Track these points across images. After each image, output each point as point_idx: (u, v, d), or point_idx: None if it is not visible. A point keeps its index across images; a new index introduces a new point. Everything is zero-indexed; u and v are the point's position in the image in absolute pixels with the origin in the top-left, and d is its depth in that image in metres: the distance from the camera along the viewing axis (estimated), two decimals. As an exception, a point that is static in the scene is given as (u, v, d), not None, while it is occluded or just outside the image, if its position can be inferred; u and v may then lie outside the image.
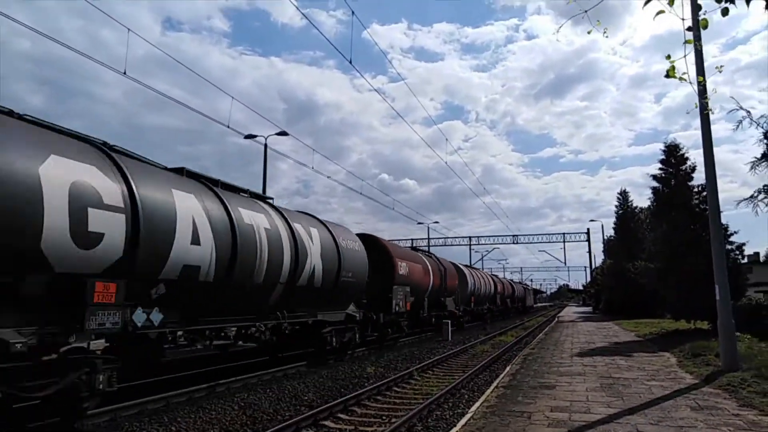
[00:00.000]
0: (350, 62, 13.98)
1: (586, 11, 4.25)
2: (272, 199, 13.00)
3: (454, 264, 30.52)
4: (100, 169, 7.23)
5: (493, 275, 49.31)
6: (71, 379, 6.80)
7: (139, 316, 7.58)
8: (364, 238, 18.12)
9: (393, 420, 7.92)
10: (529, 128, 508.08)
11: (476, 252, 68.68)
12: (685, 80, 4.29)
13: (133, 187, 7.58)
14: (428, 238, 59.04)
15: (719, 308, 10.80)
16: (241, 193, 11.62)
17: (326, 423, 7.90)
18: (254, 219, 10.69)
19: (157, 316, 7.89)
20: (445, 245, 64.13)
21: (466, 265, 36.68)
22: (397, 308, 18.89)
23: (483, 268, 58.54)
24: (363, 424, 7.92)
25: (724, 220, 13.69)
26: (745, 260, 20.57)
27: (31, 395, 6.39)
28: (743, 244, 18.78)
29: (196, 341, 9.96)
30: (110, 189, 7.19)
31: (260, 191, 18.67)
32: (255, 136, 25.02)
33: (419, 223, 60.28)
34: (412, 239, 62.26)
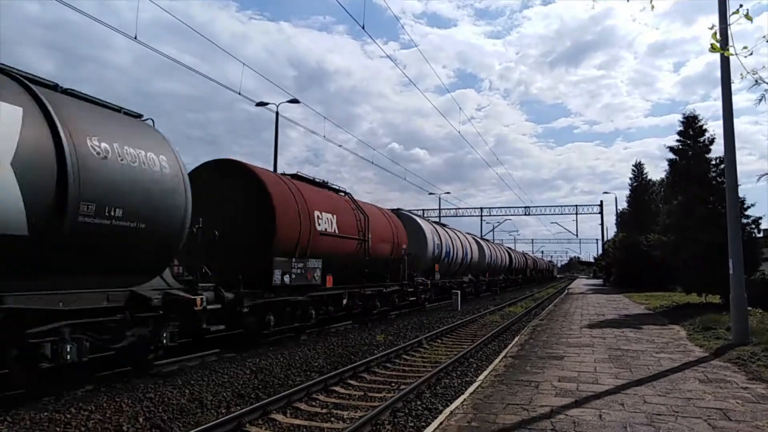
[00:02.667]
0: (363, 27, 13.72)
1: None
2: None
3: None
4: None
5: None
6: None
7: None
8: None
9: (402, 386, 8.03)
10: (543, 98, 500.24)
11: (487, 223, 68.60)
12: (732, 54, 4.09)
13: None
14: (439, 209, 58.90)
15: (732, 282, 10.72)
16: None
17: (336, 388, 8.03)
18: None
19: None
20: (457, 216, 64.05)
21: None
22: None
23: (494, 240, 58.48)
24: (372, 390, 8.04)
25: (741, 194, 13.47)
26: (761, 234, 20.33)
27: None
28: (759, 218, 18.59)
29: None
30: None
31: (271, 159, 19.02)
32: (266, 104, 24.86)
33: (430, 194, 60.09)
34: (423, 209, 62.16)
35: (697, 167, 19.86)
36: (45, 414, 6.09)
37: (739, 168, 11.18)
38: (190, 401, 6.99)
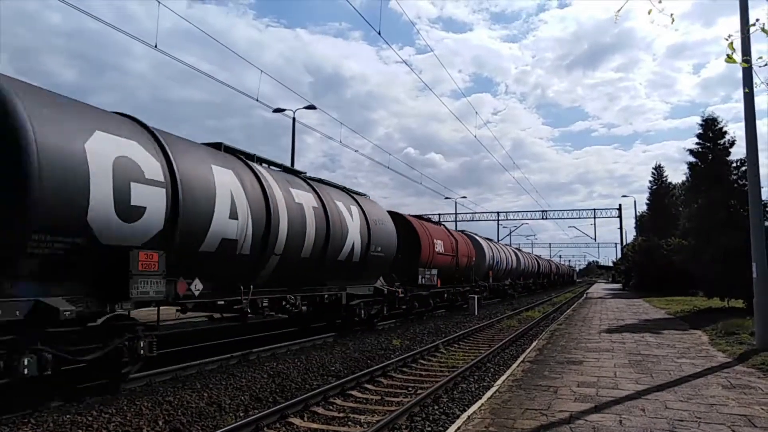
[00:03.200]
0: (379, 33, 13.78)
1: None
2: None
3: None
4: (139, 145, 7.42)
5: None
6: (114, 345, 7.20)
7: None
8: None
9: (419, 391, 8.01)
10: (560, 101, 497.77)
11: (504, 227, 68.23)
12: (747, 65, 4.07)
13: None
14: (455, 213, 58.77)
15: (756, 286, 10.53)
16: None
17: (353, 393, 8.03)
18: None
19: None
20: (473, 220, 63.76)
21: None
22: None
23: (511, 244, 58.16)
24: (389, 395, 8.03)
25: (763, 196, 13.21)
26: (785, 238, 19.94)
27: (78, 358, 6.73)
28: (783, 220, 18.19)
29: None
30: (148, 163, 7.43)
31: (288, 164, 19.43)
32: (283, 110, 25.08)
33: (446, 198, 59.94)
34: (439, 214, 62.02)
35: (718, 170, 19.59)
36: (67, 416, 6.18)
37: (761, 170, 11.01)
38: (208, 405, 7.04)
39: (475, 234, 31.30)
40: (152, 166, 7.39)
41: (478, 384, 8.60)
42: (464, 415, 5.89)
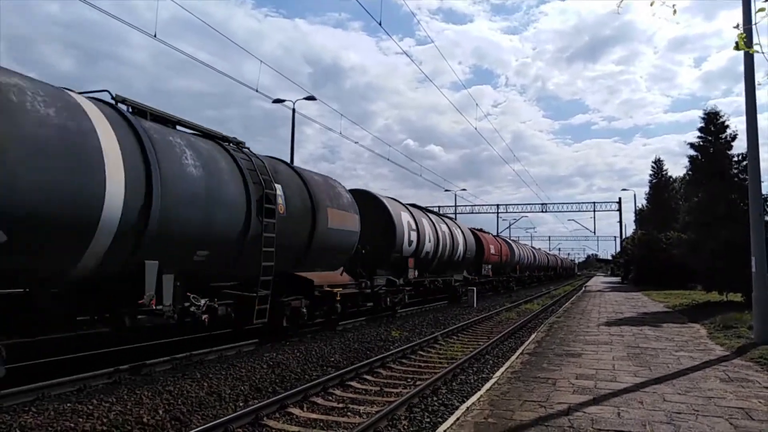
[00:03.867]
0: (380, 24, 13.71)
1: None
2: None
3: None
4: (407, 213, 17.84)
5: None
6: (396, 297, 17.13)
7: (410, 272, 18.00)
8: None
9: (418, 382, 8.04)
10: (560, 93, 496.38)
11: (504, 220, 68.26)
12: (758, 52, 4.03)
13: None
14: (455, 206, 58.75)
15: (755, 280, 10.54)
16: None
17: (352, 383, 8.06)
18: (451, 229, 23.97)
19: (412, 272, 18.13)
20: (473, 213, 63.71)
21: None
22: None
23: (510, 236, 58.18)
24: (388, 386, 8.06)
25: (764, 191, 13.19)
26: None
27: (392, 300, 16.80)
28: (783, 215, 18.16)
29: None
30: (411, 221, 17.81)
31: (288, 157, 19.39)
32: (283, 101, 24.99)
33: (446, 190, 60.11)
34: (438, 206, 61.97)
35: (719, 164, 19.55)
36: (68, 405, 6.21)
37: (762, 164, 10.99)
38: (208, 394, 7.07)
39: (507, 237, 41.59)
40: (412, 223, 17.55)
41: (476, 376, 8.63)
42: (463, 407, 5.92)
